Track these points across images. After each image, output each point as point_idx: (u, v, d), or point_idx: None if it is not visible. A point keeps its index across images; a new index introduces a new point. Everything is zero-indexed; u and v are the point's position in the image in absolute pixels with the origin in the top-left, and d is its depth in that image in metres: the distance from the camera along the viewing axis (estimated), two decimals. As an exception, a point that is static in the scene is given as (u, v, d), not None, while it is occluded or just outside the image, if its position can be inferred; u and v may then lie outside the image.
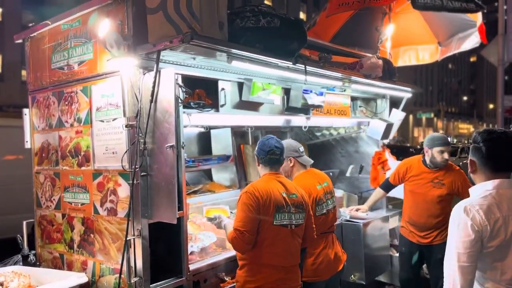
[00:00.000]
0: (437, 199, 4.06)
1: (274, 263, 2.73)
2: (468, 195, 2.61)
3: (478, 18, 5.17)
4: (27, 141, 3.63)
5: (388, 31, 5.18)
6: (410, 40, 6.13)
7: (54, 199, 3.41)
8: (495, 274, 1.99)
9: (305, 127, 4.44)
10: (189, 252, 3.04)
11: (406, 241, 4.26)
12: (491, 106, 67.85)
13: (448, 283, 2.00)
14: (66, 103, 3.26)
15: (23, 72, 14.41)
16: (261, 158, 2.93)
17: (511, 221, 1.97)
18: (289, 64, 3.27)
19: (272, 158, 2.89)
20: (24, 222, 3.58)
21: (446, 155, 4.10)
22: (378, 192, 4.66)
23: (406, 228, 4.26)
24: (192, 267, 3.02)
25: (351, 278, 4.29)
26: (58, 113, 3.34)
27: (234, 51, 2.88)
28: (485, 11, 4.87)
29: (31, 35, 3.55)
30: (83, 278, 2.97)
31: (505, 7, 12.64)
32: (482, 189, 2.08)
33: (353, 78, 4.22)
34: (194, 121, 3.22)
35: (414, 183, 4.22)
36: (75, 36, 3.16)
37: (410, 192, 4.25)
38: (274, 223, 2.71)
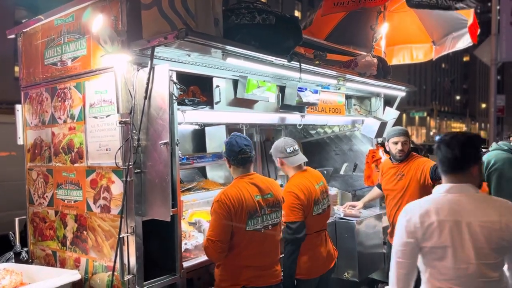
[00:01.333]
0: (401, 192, 3.93)
1: (249, 264, 2.75)
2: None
3: (470, 16, 5.20)
4: (19, 137, 3.59)
5: (383, 29, 5.20)
6: (405, 39, 6.14)
7: (47, 196, 3.39)
8: (435, 272, 2.08)
9: (299, 125, 4.44)
10: (182, 250, 3.03)
11: (388, 244, 4.24)
12: (483, 105, 68.28)
13: (390, 273, 2.18)
14: (59, 99, 3.23)
15: (16, 69, 14.28)
16: (232, 159, 2.85)
17: (447, 226, 2.02)
18: (284, 61, 3.26)
19: (244, 158, 2.83)
20: (17, 219, 3.55)
21: (399, 146, 3.96)
22: (374, 190, 4.67)
23: (388, 232, 4.29)
24: (185, 264, 3.01)
25: (345, 275, 4.30)
26: (51, 110, 3.31)
27: (229, 48, 2.87)
28: (478, 10, 4.88)
29: (23, 31, 3.51)
30: (76, 275, 2.96)
31: (498, 7, 12.71)
32: (438, 190, 2.15)
33: (348, 76, 4.23)
34: (188, 118, 3.20)
35: (384, 181, 4.21)
36: (68, 31, 3.13)
37: (384, 190, 4.26)
38: (247, 229, 2.72)
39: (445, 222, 2.02)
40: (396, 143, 4.00)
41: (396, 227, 2.15)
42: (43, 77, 3.36)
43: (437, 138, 2.31)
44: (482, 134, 65.15)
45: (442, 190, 2.12)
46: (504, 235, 1.96)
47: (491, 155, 4.09)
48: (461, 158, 2.07)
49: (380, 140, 5.38)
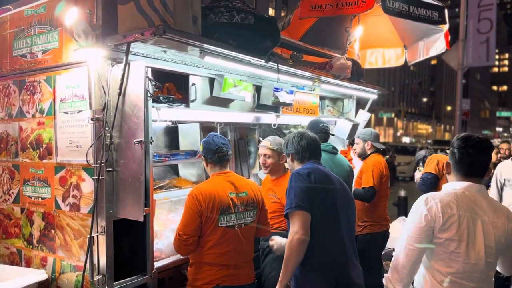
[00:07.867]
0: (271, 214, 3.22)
1: (222, 262, 2.75)
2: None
3: (445, 24, 5.32)
4: (-16, 131, 3.44)
5: (357, 32, 5.26)
6: (377, 42, 6.23)
7: (12, 193, 3.26)
8: (442, 264, 2.13)
9: (274, 124, 4.44)
10: (154, 249, 2.98)
11: None
12: (448, 108, 70.46)
13: (394, 259, 2.19)
14: (28, 92, 3.11)
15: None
16: (209, 158, 2.89)
17: (465, 221, 2.10)
18: (261, 61, 3.26)
19: (221, 156, 2.87)
20: (-21, 216, 3.41)
21: (269, 160, 3.32)
22: None
23: None
24: (157, 264, 2.97)
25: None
26: (19, 103, 3.18)
27: (207, 46, 2.83)
28: (447, 26, 5.02)
29: (-10, 19, 3.36)
30: (42, 275, 2.87)
31: (466, 13, 13.11)
32: (452, 187, 2.21)
33: (323, 78, 4.27)
34: (163, 115, 3.16)
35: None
36: (39, 23, 3.01)
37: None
38: (219, 225, 2.72)
39: (464, 217, 2.09)
40: (263, 156, 3.36)
41: (412, 215, 2.15)
42: (11, 68, 3.23)
43: (455, 141, 2.32)
44: (447, 136, 67.22)
45: (459, 186, 2.18)
46: (507, 237, 2.11)
47: None
48: (488, 164, 2.20)
49: (351, 141, 5.47)
